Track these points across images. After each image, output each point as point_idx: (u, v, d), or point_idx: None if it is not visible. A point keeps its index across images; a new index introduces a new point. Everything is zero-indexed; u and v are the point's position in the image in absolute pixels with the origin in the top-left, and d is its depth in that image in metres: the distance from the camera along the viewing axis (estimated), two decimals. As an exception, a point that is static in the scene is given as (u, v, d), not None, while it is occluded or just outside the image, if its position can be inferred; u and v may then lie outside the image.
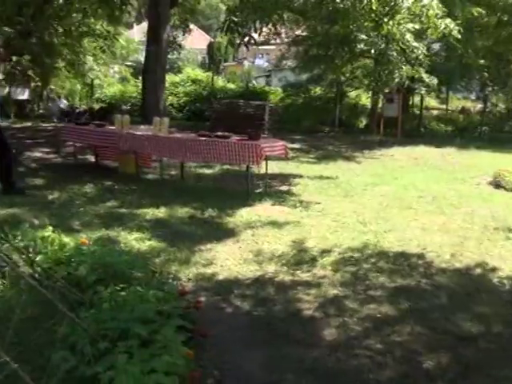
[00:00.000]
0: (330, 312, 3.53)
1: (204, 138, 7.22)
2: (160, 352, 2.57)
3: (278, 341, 3.11)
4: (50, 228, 4.35)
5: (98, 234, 4.92)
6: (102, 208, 6.07)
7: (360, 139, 15.19)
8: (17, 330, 2.52)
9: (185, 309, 3.22)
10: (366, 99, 19.44)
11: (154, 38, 11.97)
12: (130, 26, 27.09)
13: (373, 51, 13.84)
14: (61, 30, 12.61)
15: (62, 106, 19.82)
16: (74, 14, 12.47)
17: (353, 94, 19.30)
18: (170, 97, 18.11)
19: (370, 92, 17.42)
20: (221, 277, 4.11)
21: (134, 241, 4.84)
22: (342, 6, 8.33)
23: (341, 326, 3.34)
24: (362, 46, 13.86)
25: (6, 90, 15.80)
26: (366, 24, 9.54)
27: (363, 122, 19.16)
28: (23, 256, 3.57)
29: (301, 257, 4.59)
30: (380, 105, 17.26)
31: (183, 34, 18.35)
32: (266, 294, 3.81)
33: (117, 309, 2.98)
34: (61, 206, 6.05)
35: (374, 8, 7.63)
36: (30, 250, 3.95)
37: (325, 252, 4.72)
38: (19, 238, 4.14)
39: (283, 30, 17.40)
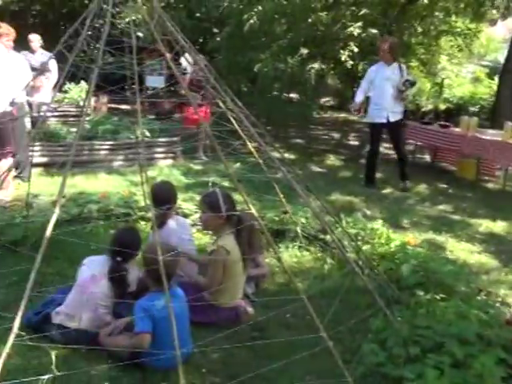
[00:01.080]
0: None
1: None
2: (474, 381, 2.32)
3: None
4: (380, 221, 4.48)
5: (424, 236, 4.82)
6: (433, 210, 5.91)
7: None
8: (336, 311, 2.68)
9: (511, 341, 2.82)
10: None
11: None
12: (493, 23, 25.33)
13: None
14: (419, 29, 12.68)
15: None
16: (436, 13, 12.33)
17: None
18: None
19: None
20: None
21: (461, 251, 4.55)
22: None
23: None
24: None
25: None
26: None
27: None
28: (352, 243, 3.77)
29: None
30: None
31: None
32: None
33: (433, 319, 2.83)
34: (393, 201, 6.16)
35: None
36: (359, 238, 4.17)
37: None
38: (351, 224, 4.42)
39: None
